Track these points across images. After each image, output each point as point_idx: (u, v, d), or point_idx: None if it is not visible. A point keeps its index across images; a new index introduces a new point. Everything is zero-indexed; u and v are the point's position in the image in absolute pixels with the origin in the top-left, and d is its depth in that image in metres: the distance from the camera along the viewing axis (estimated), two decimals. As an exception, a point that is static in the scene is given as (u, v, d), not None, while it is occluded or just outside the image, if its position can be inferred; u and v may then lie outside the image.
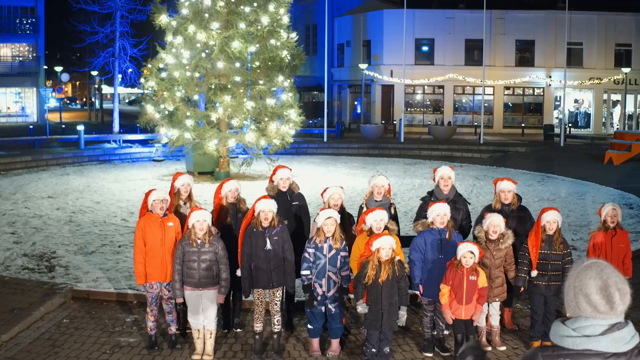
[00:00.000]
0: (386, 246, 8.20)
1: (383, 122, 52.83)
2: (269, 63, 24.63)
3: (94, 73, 58.70)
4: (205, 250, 8.65)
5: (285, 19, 25.12)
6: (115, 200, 20.87)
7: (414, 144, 40.33)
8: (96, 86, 74.86)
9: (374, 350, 8.41)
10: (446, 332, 9.46)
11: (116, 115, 44.44)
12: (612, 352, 3.19)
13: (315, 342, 9.07)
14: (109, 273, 12.38)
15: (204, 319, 8.80)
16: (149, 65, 24.64)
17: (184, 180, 9.86)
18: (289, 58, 25.20)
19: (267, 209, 8.70)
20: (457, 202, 9.90)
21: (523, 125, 52.14)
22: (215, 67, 24.12)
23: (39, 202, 20.29)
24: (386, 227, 8.77)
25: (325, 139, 41.66)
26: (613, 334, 3.19)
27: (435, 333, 9.28)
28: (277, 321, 8.96)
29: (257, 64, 24.65)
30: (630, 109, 55.54)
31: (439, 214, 8.92)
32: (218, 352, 9.04)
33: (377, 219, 8.81)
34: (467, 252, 8.36)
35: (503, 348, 9.32)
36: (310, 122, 49.03)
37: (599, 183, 25.08)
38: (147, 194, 9.11)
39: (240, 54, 23.75)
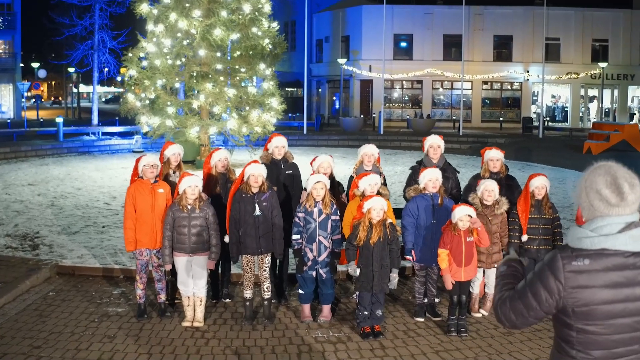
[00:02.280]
0: (377, 207, 8.20)
1: (362, 115, 52.85)
2: (250, 52, 24.57)
3: (71, 69, 58.27)
4: (195, 216, 8.59)
5: (267, 7, 25.06)
6: (97, 187, 20.72)
7: (394, 136, 40.43)
8: (73, 83, 74.24)
9: (366, 313, 8.40)
10: (436, 300, 9.47)
11: (95, 107, 44.16)
12: (631, 251, 3.19)
13: (306, 308, 9.04)
14: (94, 250, 12.27)
15: (194, 286, 8.75)
16: (130, 55, 24.44)
17: (174, 150, 9.77)
18: (271, 47, 25.15)
19: (257, 173, 8.64)
20: (446, 170, 9.90)
21: (501, 119, 52.33)
22: (197, 55, 24.02)
23: (19, 189, 20.09)
24: (378, 193, 8.75)
25: (305, 132, 41.64)
26: (630, 231, 3.20)
27: (426, 301, 9.28)
28: (266, 287, 8.92)
29: (239, 52, 24.58)
30: (607, 103, 55.99)
31: (431, 179, 8.93)
32: (208, 319, 8.98)
33: (370, 182, 8.81)
34: (464, 215, 8.36)
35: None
36: (290, 115, 48.98)
37: (578, 170, 25.24)
38: (138, 160, 9.03)
39: (222, 41, 23.66)
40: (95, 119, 43.70)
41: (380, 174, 9.94)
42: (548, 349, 8.06)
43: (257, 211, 8.63)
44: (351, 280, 10.59)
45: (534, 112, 54.22)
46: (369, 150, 9.97)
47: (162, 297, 9.20)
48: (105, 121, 42.37)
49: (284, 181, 9.77)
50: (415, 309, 9.23)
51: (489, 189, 9.09)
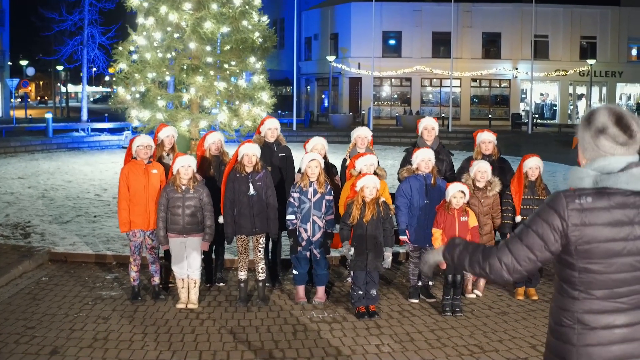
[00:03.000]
0: (370, 185, 8.22)
1: (351, 113, 52.88)
2: (240, 46, 24.47)
3: (60, 67, 57.99)
4: (189, 196, 8.57)
5: (257, 1, 24.95)
6: (88, 179, 20.70)
7: (383, 132, 40.47)
8: (62, 81, 73.93)
9: (360, 292, 8.40)
10: (430, 283, 9.49)
11: (84, 103, 43.99)
12: (632, 190, 3.21)
13: (301, 289, 9.04)
14: (86, 238, 12.23)
15: (187, 267, 8.72)
16: (120, 48, 24.31)
17: (168, 132, 9.75)
18: (261, 40, 25.05)
19: (251, 153, 8.64)
20: (440, 152, 9.91)
21: (490, 116, 52.48)
22: (188, 49, 23.93)
23: (9, 182, 20.03)
24: (375, 173, 8.76)
25: (294, 128, 41.64)
26: (632, 170, 3.22)
27: (420, 284, 9.28)
28: (261, 269, 8.91)
29: (229, 46, 24.47)
30: (595, 101, 56.24)
31: (424, 159, 8.94)
32: (202, 302, 8.96)
33: (367, 163, 8.83)
34: (457, 192, 8.38)
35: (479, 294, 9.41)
36: (280, 112, 48.95)
37: (568, 164, 25.34)
38: (132, 141, 8.99)
39: (212, 35, 23.56)
40: (84, 115, 43.57)
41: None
42: (543, 327, 8.09)
43: (252, 190, 8.62)
44: (344, 265, 10.61)
45: (523, 110, 54.40)
46: (362, 133, 9.97)
47: (156, 279, 9.17)
48: (94, 118, 42.25)
49: (277, 163, 9.75)
50: (409, 291, 9.23)
51: (481, 170, 9.12)
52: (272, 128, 9.81)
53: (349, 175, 9.18)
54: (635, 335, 3.25)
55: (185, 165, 8.51)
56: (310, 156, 8.78)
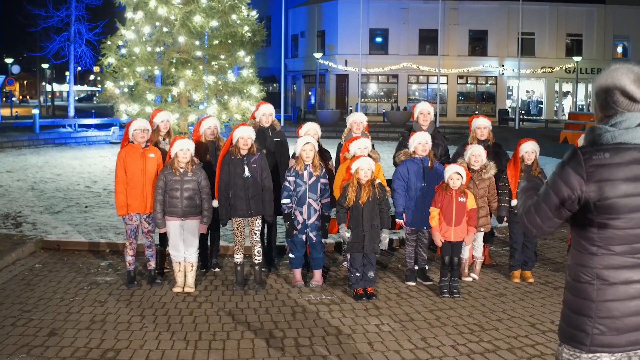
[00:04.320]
0: (365, 167, 8.22)
1: (338, 109, 52.87)
2: (229, 40, 24.44)
3: (45, 65, 57.66)
4: (188, 179, 8.54)
5: (246, -6, 24.93)
6: (77, 173, 20.59)
7: (371, 128, 40.12)
8: (47, 79, 73.46)
9: (358, 274, 8.40)
10: (427, 267, 9.49)
11: (71, 99, 43.80)
12: None
13: (298, 273, 9.03)
14: (79, 227, 12.15)
15: (185, 251, 8.69)
16: (109, 43, 24.21)
17: (163, 117, 9.69)
18: (250, 34, 25.03)
19: (247, 136, 8.63)
20: (436, 137, 9.91)
21: (477, 113, 52.54)
22: (177, 43, 23.86)
23: (-3, 175, 19.91)
24: (369, 156, 8.76)
25: (282, 124, 41.60)
26: None
27: (416, 268, 9.28)
28: (257, 252, 8.89)
29: (217, 41, 24.42)
30: (581, 98, 56.53)
31: (421, 142, 8.95)
32: (199, 286, 8.93)
33: (360, 146, 8.84)
34: (453, 173, 8.40)
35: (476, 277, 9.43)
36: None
37: (557, 158, 25.41)
38: (128, 125, 8.94)
39: (201, 28, 23.51)
40: (71, 111, 43.35)
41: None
42: (541, 307, 8.15)
43: (247, 172, 8.60)
44: (340, 251, 10.61)
45: (509, 107, 54.57)
46: (358, 118, 10.00)
47: (152, 264, 9.13)
48: (82, 114, 42.07)
49: (272, 148, 9.74)
50: (406, 274, 9.24)
51: (475, 154, 9.15)
52: (266, 113, 9.81)
53: (343, 159, 9.19)
54: None
55: (184, 149, 8.48)
56: (304, 139, 8.79)
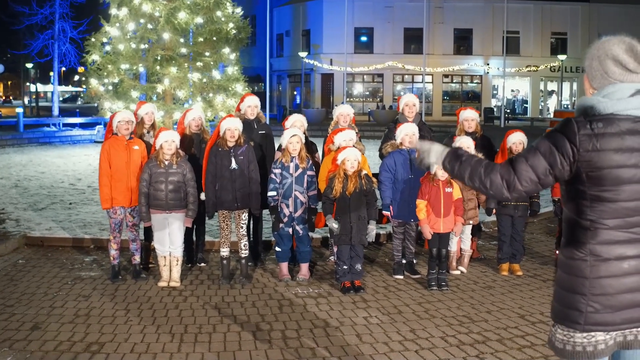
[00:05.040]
0: (351, 157, 8.16)
1: (324, 108, 52.78)
2: (214, 37, 24.31)
3: (29, 65, 57.27)
4: (173, 172, 8.43)
5: (231, -9, 24.81)
6: (61, 170, 20.42)
7: (357, 126, 40.24)
8: (31, 79, 73.00)
9: (345, 267, 8.32)
10: (415, 261, 9.42)
11: (56, 98, 43.51)
12: None
13: (284, 267, 8.94)
14: (63, 224, 12.02)
15: (170, 244, 8.58)
16: (93, 40, 24.03)
17: (148, 109, 9.58)
18: (235, 31, 24.91)
19: (234, 127, 8.54)
20: (421, 129, 9.82)
21: (463, 106, 52.56)
22: (162, 39, 23.71)
23: (-20, 174, 19.70)
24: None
25: (267, 122, 41.52)
26: None
27: (404, 261, 9.21)
28: (243, 246, 8.80)
29: (202, 38, 24.29)
30: (566, 96, 56.71)
31: (408, 133, 8.89)
32: (184, 280, 8.83)
33: (345, 138, 8.77)
34: (441, 163, 8.31)
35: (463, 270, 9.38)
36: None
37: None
38: (112, 117, 8.83)
39: (186, 25, 23.37)
40: (55, 110, 43.06)
41: (357, 133, 9.87)
42: (530, 299, 8.10)
43: (234, 164, 8.51)
44: (326, 246, 10.54)
45: (495, 106, 54.69)
46: (345, 110, 9.94)
47: (137, 258, 9.01)
48: (66, 113, 41.80)
49: (258, 140, 9.65)
50: (393, 267, 9.16)
51: (464, 145, 9.06)
52: (252, 105, 9.72)
53: (328, 151, 9.12)
54: None
55: (169, 140, 8.38)
56: (291, 132, 8.71)
